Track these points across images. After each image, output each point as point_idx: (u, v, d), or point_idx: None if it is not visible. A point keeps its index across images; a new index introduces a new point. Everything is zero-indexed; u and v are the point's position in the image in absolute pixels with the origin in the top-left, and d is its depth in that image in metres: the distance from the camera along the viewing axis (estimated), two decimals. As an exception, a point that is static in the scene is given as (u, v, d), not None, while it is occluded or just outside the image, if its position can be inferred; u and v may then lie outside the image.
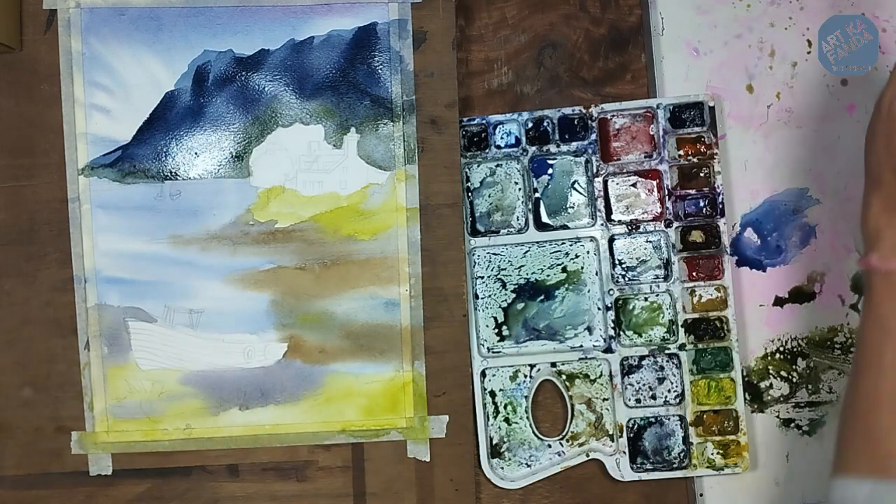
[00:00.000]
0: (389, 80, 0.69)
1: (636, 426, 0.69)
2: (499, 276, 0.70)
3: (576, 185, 0.70)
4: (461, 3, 0.71)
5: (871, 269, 0.55)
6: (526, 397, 0.70)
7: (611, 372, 0.69)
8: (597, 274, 0.70)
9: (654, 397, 0.69)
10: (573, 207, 0.70)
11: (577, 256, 0.70)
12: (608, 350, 0.69)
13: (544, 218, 0.70)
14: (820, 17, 0.71)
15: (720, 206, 0.69)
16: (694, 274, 0.69)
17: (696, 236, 0.70)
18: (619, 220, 0.70)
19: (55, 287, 0.68)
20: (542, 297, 0.70)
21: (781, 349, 0.71)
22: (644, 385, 0.69)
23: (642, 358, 0.69)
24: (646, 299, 0.70)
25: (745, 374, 0.70)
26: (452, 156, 0.69)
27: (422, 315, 0.68)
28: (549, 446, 0.69)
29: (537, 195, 0.70)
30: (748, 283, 0.71)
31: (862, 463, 0.53)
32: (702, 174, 0.70)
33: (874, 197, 0.56)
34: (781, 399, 0.70)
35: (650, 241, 0.70)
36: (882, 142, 0.55)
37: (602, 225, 0.70)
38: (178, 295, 0.68)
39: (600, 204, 0.70)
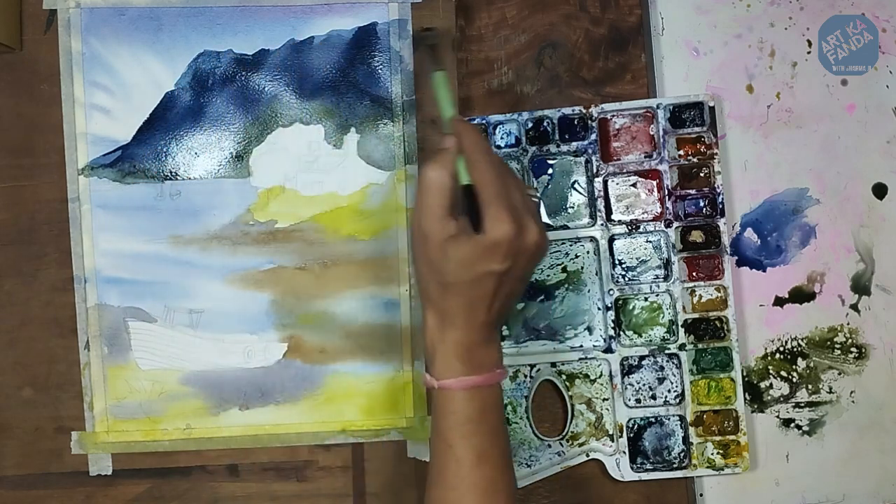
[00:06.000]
0: (389, 80, 0.69)
1: (636, 426, 0.69)
2: (499, 276, 0.70)
3: (576, 185, 0.70)
4: (461, 3, 0.71)
5: (429, 387, 0.55)
6: (526, 397, 0.70)
7: (611, 372, 0.69)
8: (597, 274, 0.70)
9: (654, 397, 0.69)
10: (573, 207, 0.70)
11: (577, 256, 0.70)
12: (608, 350, 0.69)
13: (544, 218, 0.70)
14: (820, 17, 0.71)
15: (720, 206, 0.69)
16: (694, 274, 0.69)
17: (696, 236, 0.70)
18: (619, 220, 0.70)
19: (55, 287, 0.68)
20: (542, 297, 0.70)
21: (781, 349, 0.71)
22: (644, 385, 0.69)
23: (642, 358, 0.69)
24: (646, 299, 0.70)
25: (745, 374, 0.70)
26: (452, 156, 0.69)
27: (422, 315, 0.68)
28: (549, 446, 0.69)
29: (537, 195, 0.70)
30: (748, 283, 0.71)
31: None
32: (702, 174, 0.70)
33: (428, 314, 0.56)
34: (781, 399, 0.70)
35: (650, 241, 0.70)
36: (422, 261, 0.55)
37: (602, 225, 0.70)
38: (178, 295, 0.68)
39: (600, 204, 0.70)
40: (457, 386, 0.54)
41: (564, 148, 0.70)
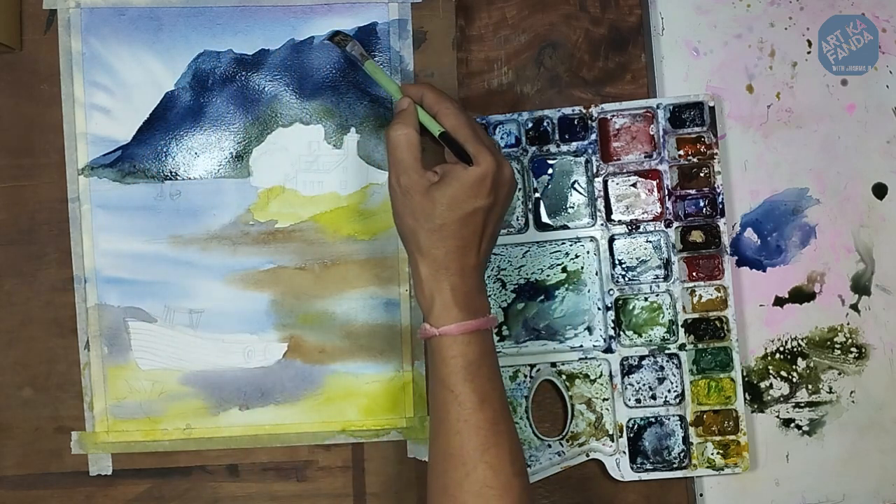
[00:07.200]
0: (389, 80, 0.69)
1: (636, 426, 0.69)
2: (499, 276, 0.70)
3: (576, 185, 0.70)
4: (461, 3, 0.71)
5: (428, 336, 0.57)
6: (526, 397, 0.70)
7: (611, 372, 0.69)
8: (597, 274, 0.70)
9: (654, 397, 0.69)
10: (573, 207, 0.70)
11: (577, 256, 0.70)
12: (608, 350, 0.69)
13: (544, 218, 0.70)
14: (820, 17, 0.71)
15: (720, 206, 0.69)
16: (694, 274, 0.69)
17: (696, 236, 0.70)
18: (619, 220, 0.70)
19: (55, 287, 0.68)
20: (542, 297, 0.70)
21: (781, 349, 0.71)
22: (644, 385, 0.69)
23: (642, 358, 0.69)
24: (646, 299, 0.70)
25: (745, 374, 0.70)
26: (452, 156, 0.69)
27: (422, 315, 0.68)
28: (549, 446, 0.69)
29: (537, 195, 0.70)
30: (748, 283, 0.71)
31: None
32: (702, 174, 0.70)
33: (421, 266, 0.58)
34: (781, 399, 0.70)
35: (650, 241, 0.70)
36: (407, 215, 0.58)
37: (602, 225, 0.70)
38: (178, 295, 0.68)
39: (600, 204, 0.70)
40: (457, 331, 0.56)
41: (564, 148, 0.70)
